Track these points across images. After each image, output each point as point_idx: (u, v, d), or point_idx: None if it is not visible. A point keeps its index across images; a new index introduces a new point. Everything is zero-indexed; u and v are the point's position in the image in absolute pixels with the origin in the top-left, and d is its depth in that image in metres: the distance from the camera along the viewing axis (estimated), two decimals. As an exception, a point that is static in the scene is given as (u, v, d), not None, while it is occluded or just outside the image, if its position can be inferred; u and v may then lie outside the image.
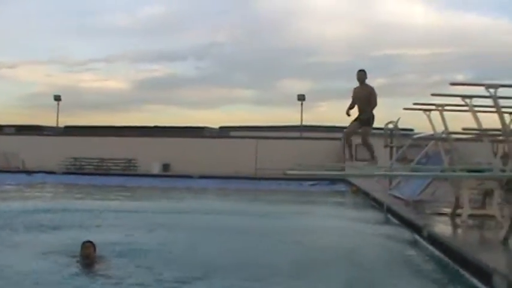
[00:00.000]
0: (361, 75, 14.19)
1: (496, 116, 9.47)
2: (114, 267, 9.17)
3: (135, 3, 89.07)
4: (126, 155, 43.69)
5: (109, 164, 43.90)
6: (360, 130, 14.06)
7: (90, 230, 12.99)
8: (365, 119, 13.98)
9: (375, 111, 14.05)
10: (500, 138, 11.19)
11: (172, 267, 9.21)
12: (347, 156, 16.12)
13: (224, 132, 56.49)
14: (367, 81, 14.14)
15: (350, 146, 14.79)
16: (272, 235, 12.61)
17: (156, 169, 41.60)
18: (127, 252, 10.26)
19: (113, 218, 15.45)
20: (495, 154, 11.70)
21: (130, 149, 43.47)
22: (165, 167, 42.55)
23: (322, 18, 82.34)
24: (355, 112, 14.07)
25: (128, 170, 42.58)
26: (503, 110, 9.95)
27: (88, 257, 9.30)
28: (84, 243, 9.48)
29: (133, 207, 19.59)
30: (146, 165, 41.94)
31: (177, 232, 13.06)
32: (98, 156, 43.75)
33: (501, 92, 8.96)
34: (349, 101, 14.04)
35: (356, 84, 14.16)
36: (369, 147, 14.25)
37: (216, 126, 60.12)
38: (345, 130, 14.93)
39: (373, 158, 14.41)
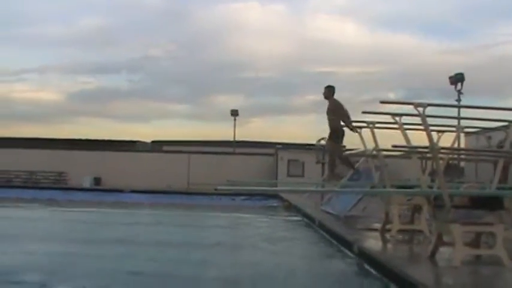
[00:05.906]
0: (324, 92, 14.71)
1: (424, 133, 9.73)
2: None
3: (71, 14, 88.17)
4: (56, 168, 42.86)
5: (38, 177, 42.89)
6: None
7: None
8: (329, 133, 14.41)
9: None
10: (428, 155, 11.46)
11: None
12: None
13: (156, 146, 56.14)
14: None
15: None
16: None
17: (87, 183, 40.96)
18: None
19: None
20: (423, 171, 11.95)
21: (61, 162, 42.64)
22: (97, 180, 41.92)
23: (256, 33, 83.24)
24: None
25: (58, 184, 41.70)
26: (431, 128, 10.23)
27: None
28: None
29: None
30: (77, 179, 41.30)
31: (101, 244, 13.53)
32: (27, 169, 42.74)
33: (429, 110, 9.20)
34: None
35: None
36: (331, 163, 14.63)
37: (149, 140, 59.79)
38: None
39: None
